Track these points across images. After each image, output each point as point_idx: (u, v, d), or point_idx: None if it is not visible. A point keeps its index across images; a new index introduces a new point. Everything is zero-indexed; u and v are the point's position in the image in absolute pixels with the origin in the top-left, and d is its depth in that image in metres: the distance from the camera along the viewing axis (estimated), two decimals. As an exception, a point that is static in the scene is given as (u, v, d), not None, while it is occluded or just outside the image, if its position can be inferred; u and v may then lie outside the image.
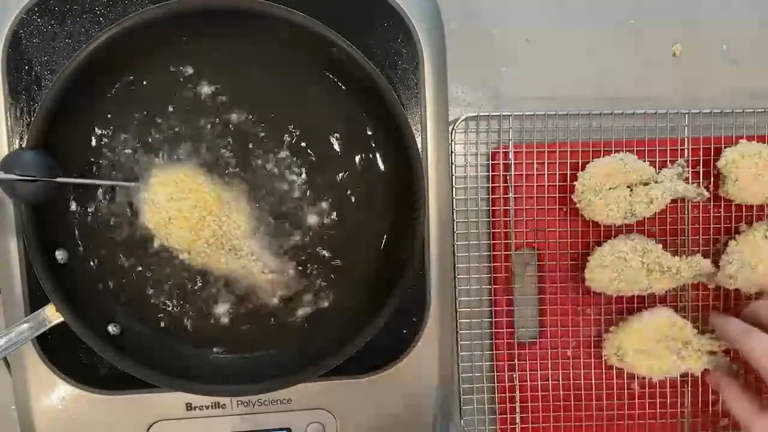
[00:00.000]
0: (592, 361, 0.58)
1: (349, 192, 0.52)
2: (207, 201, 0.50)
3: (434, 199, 0.53)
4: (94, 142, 0.50)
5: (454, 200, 0.57)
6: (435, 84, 0.52)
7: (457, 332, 0.58)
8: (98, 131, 0.50)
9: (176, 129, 0.50)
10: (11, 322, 0.50)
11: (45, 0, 0.48)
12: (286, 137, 0.51)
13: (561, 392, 0.59)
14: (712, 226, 0.58)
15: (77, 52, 0.46)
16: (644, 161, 0.55)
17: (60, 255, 0.49)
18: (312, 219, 0.52)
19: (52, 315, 0.48)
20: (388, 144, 0.52)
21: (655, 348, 0.55)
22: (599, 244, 0.56)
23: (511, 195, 0.57)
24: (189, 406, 0.53)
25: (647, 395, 0.59)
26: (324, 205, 0.52)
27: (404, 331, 0.53)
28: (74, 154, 0.49)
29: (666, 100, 0.58)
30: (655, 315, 0.56)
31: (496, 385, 0.59)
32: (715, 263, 0.56)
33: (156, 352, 0.51)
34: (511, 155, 0.57)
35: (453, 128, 0.56)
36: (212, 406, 0.53)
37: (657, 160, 0.57)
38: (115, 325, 0.50)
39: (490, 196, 0.58)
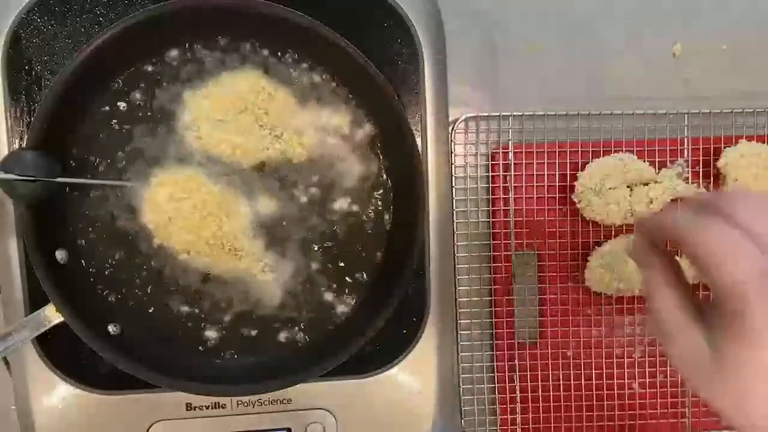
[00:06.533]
0: (592, 361, 0.58)
1: (349, 192, 0.52)
2: (207, 201, 0.50)
3: (434, 199, 0.53)
4: (94, 142, 0.50)
5: (454, 200, 0.57)
6: (435, 84, 0.52)
7: (457, 332, 0.58)
8: (98, 131, 0.50)
9: (177, 129, 0.50)
10: (11, 322, 0.50)
11: (45, 0, 0.48)
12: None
13: (561, 392, 0.59)
14: (712, 226, 0.58)
15: (77, 52, 0.46)
16: (644, 161, 0.55)
17: (60, 255, 0.49)
18: (312, 219, 0.52)
19: (52, 315, 0.48)
20: (388, 144, 0.52)
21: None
22: (599, 244, 0.56)
23: (511, 195, 0.57)
24: (189, 406, 0.52)
25: (648, 395, 0.59)
26: (324, 205, 0.52)
27: (404, 331, 0.53)
28: (74, 154, 0.49)
29: (666, 100, 0.58)
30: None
31: (496, 385, 0.59)
32: (715, 263, 0.56)
33: (156, 352, 0.51)
34: (511, 155, 0.57)
35: (453, 128, 0.56)
36: (212, 406, 0.53)
37: (657, 160, 0.56)
38: (115, 325, 0.50)
39: (490, 196, 0.58)
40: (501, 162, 0.57)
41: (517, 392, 0.58)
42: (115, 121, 0.50)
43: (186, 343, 0.52)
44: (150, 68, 0.50)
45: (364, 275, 0.53)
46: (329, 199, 0.52)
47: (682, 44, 0.58)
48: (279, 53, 0.50)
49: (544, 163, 0.57)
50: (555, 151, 0.57)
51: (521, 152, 0.57)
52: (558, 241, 0.57)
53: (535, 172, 0.57)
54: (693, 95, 0.58)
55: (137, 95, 0.50)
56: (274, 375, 0.50)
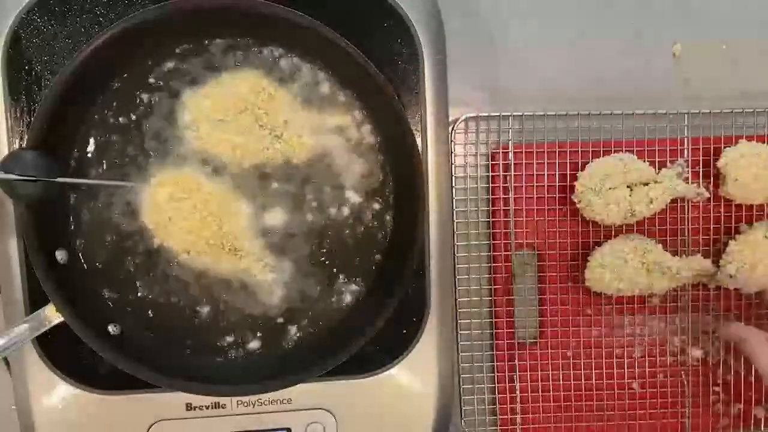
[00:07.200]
0: (592, 361, 0.58)
1: (349, 192, 0.52)
2: (207, 201, 0.50)
3: (434, 199, 0.53)
4: (94, 142, 0.50)
5: (454, 200, 0.57)
6: (435, 84, 0.52)
7: (457, 332, 0.58)
8: (98, 131, 0.50)
9: (177, 129, 0.50)
10: (11, 322, 0.50)
11: (45, 0, 0.48)
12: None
13: (561, 392, 0.59)
14: (712, 226, 0.58)
15: (77, 52, 0.46)
16: (644, 161, 0.55)
17: (60, 255, 0.49)
18: (312, 220, 0.52)
19: (52, 315, 0.48)
20: (388, 144, 0.52)
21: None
22: (599, 244, 0.56)
23: (511, 195, 0.57)
24: (189, 406, 0.52)
25: (648, 395, 0.59)
26: (324, 205, 0.52)
27: (404, 331, 0.53)
28: (74, 153, 0.49)
29: (666, 100, 0.58)
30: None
31: (496, 385, 0.59)
32: (715, 263, 0.56)
33: (156, 352, 0.51)
34: (511, 155, 0.57)
35: (453, 128, 0.56)
36: (212, 406, 0.53)
37: (657, 160, 0.57)
38: (115, 325, 0.50)
39: (490, 196, 0.58)
40: (501, 162, 0.57)
41: (517, 392, 0.58)
42: (115, 121, 0.50)
43: (186, 343, 0.52)
44: (150, 68, 0.50)
45: (364, 275, 0.53)
46: (329, 199, 0.52)
47: (682, 44, 0.58)
48: (279, 53, 0.50)
49: (544, 163, 0.57)
50: (555, 151, 0.57)
51: (521, 152, 0.57)
52: (558, 241, 0.58)
53: (535, 172, 0.57)
54: (693, 95, 0.58)
55: (137, 95, 0.50)
56: (274, 375, 0.50)
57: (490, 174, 0.58)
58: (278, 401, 0.53)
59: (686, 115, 0.57)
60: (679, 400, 0.59)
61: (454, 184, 0.57)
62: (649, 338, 0.59)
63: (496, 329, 0.58)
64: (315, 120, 0.51)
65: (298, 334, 0.53)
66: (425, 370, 0.54)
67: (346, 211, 0.52)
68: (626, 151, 0.56)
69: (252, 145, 0.50)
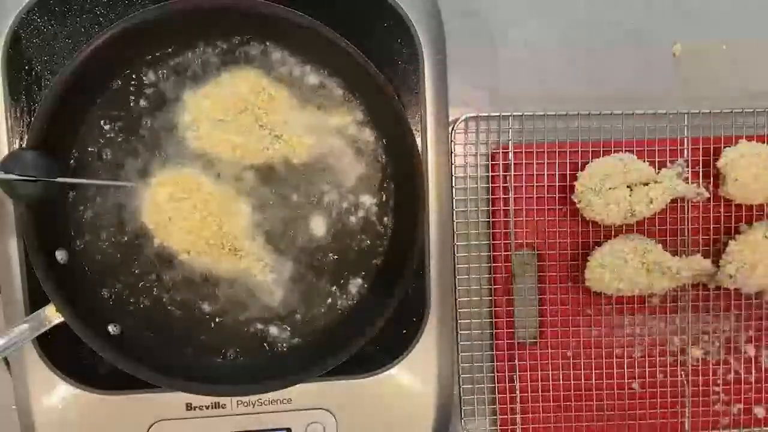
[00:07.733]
0: (592, 361, 0.58)
1: (349, 193, 0.52)
2: (207, 201, 0.50)
3: (434, 199, 0.53)
4: (94, 142, 0.50)
5: (454, 200, 0.57)
6: (435, 84, 0.52)
7: (457, 332, 0.58)
8: (98, 131, 0.50)
9: (177, 129, 0.50)
10: (11, 322, 0.50)
11: (45, 0, 0.48)
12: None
13: (561, 392, 0.59)
14: (712, 226, 0.58)
15: (77, 52, 0.46)
16: (644, 161, 0.55)
17: (60, 255, 0.49)
18: (312, 220, 0.52)
19: (52, 315, 0.48)
20: (388, 144, 0.52)
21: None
22: (599, 244, 0.56)
23: (511, 195, 0.57)
24: (189, 406, 0.52)
25: (648, 395, 0.59)
26: (324, 205, 0.52)
27: (404, 331, 0.53)
28: (74, 154, 0.49)
29: (666, 100, 0.58)
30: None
31: (496, 385, 0.59)
32: (715, 263, 0.56)
33: (156, 352, 0.51)
34: (511, 155, 0.57)
35: (453, 128, 0.56)
36: (212, 406, 0.53)
37: (657, 160, 0.57)
38: (115, 325, 0.50)
39: (490, 196, 0.58)
40: (501, 162, 0.57)
41: (517, 392, 0.58)
42: (115, 121, 0.50)
43: (186, 343, 0.52)
44: (150, 68, 0.50)
45: (364, 275, 0.53)
46: (329, 200, 0.52)
47: (682, 44, 0.58)
48: (279, 53, 0.50)
49: (544, 163, 0.57)
50: (555, 151, 0.57)
51: (521, 152, 0.57)
52: (558, 241, 0.58)
53: (535, 172, 0.57)
54: (693, 95, 0.58)
55: (137, 95, 0.50)
56: (274, 375, 0.50)
57: (490, 174, 0.58)
58: (278, 401, 0.53)
59: (686, 115, 0.57)
60: (679, 400, 0.59)
61: (454, 184, 0.57)
62: (649, 338, 0.59)
63: (496, 329, 0.58)
64: (315, 120, 0.51)
65: (298, 334, 0.53)
66: (425, 370, 0.54)
67: (346, 211, 0.52)
68: (626, 151, 0.56)
69: (252, 145, 0.50)
